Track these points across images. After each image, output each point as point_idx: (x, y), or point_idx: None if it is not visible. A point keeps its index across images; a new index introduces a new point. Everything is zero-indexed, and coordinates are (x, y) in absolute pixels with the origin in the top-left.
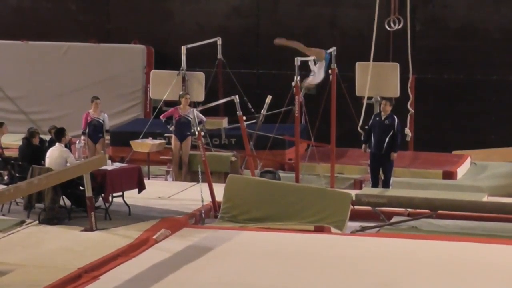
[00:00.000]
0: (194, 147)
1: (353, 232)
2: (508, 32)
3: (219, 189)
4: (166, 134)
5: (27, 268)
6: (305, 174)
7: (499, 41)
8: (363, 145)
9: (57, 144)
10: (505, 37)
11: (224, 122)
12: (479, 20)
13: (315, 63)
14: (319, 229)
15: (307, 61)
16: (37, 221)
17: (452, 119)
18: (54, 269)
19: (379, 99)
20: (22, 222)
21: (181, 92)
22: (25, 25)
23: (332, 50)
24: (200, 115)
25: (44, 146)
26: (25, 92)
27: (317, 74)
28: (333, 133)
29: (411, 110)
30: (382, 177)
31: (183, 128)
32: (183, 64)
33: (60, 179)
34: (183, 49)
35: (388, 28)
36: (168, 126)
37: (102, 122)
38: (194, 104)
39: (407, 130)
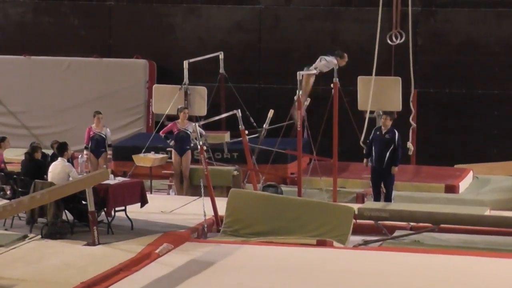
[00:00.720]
0: (196, 161)
1: (356, 246)
2: (509, 46)
3: (222, 203)
4: (168, 148)
5: (29, 283)
6: (307, 188)
7: (501, 55)
8: (365, 160)
9: (59, 158)
10: (507, 51)
11: (226, 137)
12: (481, 35)
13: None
14: (321, 243)
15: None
16: (40, 236)
17: (454, 133)
18: (56, 284)
19: (381, 113)
20: (24, 237)
21: (179, 106)
22: (27, 40)
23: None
24: (200, 129)
25: (46, 161)
26: (27, 107)
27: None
28: (335, 147)
29: (413, 124)
30: (384, 191)
31: (183, 142)
32: (185, 79)
33: (62, 194)
34: (185, 63)
35: (390, 42)
36: (168, 141)
37: (104, 136)
38: (196, 119)
39: (409, 144)
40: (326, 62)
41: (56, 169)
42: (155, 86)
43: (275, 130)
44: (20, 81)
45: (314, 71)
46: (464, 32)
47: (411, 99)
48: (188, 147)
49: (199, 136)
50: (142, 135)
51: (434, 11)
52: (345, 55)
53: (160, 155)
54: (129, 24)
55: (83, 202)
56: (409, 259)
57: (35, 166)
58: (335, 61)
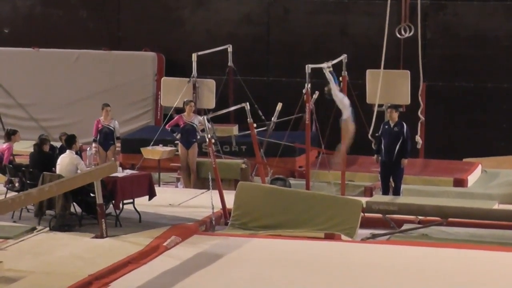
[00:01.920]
0: (204, 154)
1: (364, 240)
2: None
3: (230, 197)
4: (176, 141)
5: (38, 275)
6: (316, 182)
7: (510, 49)
8: (376, 155)
9: (67, 151)
10: None
11: (234, 130)
12: (490, 28)
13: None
14: (329, 237)
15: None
16: (48, 228)
17: (463, 127)
18: (64, 276)
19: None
20: (33, 229)
21: (185, 100)
22: (36, 32)
23: (343, 57)
24: (204, 121)
25: (55, 153)
26: (36, 99)
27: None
28: (344, 141)
29: (422, 118)
30: (393, 185)
31: (189, 135)
32: (194, 72)
33: (70, 186)
34: (194, 56)
35: (399, 36)
36: (174, 135)
37: (113, 129)
38: (204, 112)
39: (418, 138)
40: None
41: (64, 162)
42: (163, 79)
43: (284, 123)
44: (29, 73)
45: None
46: (473, 26)
47: (419, 92)
48: (194, 140)
49: (207, 129)
50: (151, 128)
51: (443, 4)
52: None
53: (168, 148)
54: (138, 16)
55: (91, 195)
56: (417, 252)
57: (44, 159)
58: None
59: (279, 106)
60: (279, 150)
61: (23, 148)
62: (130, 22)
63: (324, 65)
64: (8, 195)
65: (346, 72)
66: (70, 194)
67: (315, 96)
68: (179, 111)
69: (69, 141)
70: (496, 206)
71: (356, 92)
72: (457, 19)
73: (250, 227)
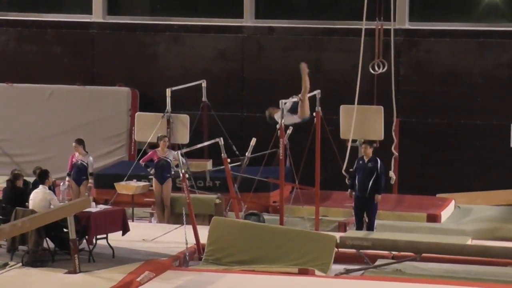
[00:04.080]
0: (178, 189)
1: (338, 275)
2: (491, 78)
3: (204, 232)
4: (150, 176)
5: None
6: (290, 217)
7: (483, 87)
8: (349, 190)
9: (40, 186)
10: (488, 83)
11: (208, 165)
12: (463, 65)
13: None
14: (303, 272)
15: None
16: (21, 264)
17: (436, 163)
18: None
19: (363, 142)
20: (5, 265)
21: (159, 135)
22: (10, 67)
23: (317, 93)
24: (178, 156)
25: (28, 189)
26: (10, 135)
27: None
28: (318, 176)
29: (395, 153)
30: (366, 220)
31: (163, 170)
32: (168, 107)
33: (43, 222)
34: (168, 91)
35: (372, 72)
36: (149, 170)
37: (86, 165)
38: (178, 147)
39: (391, 173)
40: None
41: (37, 197)
42: (137, 114)
43: (258, 159)
44: (2, 108)
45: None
46: (447, 63)
47: (393, 128)
48: (168, 175)
49: (181, 164)
50: (125, 163)
51: (417, 41)
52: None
53: (142, 183)
54: (112, 52)
55: (65, 230)
56: None
57: (17, 194)
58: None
59: (253, 141)
60: (253, 185)
61: None
62: (104, 58)
63: (295, 98)
64: None
65: (320, 108)
66: (43, 230)
67: (289, 131)
68: (153, 146)
69: (42, 177)
70: (470, 241)
71: (330, 127)
72: (430, 56)
73: (224, 263)
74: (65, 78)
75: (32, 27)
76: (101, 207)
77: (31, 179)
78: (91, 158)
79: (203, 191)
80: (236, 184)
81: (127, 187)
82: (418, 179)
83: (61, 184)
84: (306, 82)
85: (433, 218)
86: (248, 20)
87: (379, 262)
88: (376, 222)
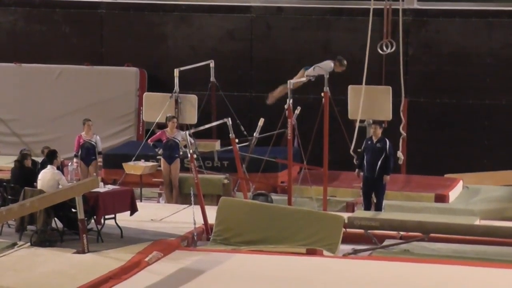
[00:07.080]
0: (186, 169)
1: (346, 255)
2: (500, 57)
3: (212, 212)
4: (158, 157)
5: None
6: (298, 197)
7: (491, 66)
8: (357, 170)
9: (49, 166)
10: (497, 62)
11: (216, 145)
12: (472, 45)
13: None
14: (311, 252)
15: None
16: (29, 243)
17: (445, 143)
18: None
19: (371, 122)
20: (13, 245)
21: (168, 115)
22: (19, 48)
23: (325, 73)
24: (186, 136)
25: (36, 168)
26: (18, 115)
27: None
28: (326, 156)
29: (404, 134)
30: (375, 200)
31: (171, 150)
32: (176, 87)
33: (52, 202)
34: (176, 71)
35: (381, 52)
36: (157, 150)
37: (94, 144)
38: (186, 127)
39: (400, 154)
40: (319, 69)
41: (45, 177)
42: (145, 94)
43: (266, 139)
44: (11, 89)
45: (304, 79)
46: (455, 42)
47: (401, 108)
48: (177, 155)
49: (190, 145)
50: (133, 143)
51: (426, 21)
52: (345, 63)
53: (150, 163)
54: (121, 32)
55: (73, 210)
56: (398, 268)
57: (25, 174)
58: (331, 64)
59: (261, 121)
60: (261, 166)
61: (5, 163)
62: (113, 38)
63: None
64: None
65: (328, 88)
66: (51, 210)
67: (297, 111)
68: (161, 126)
69: (51, 157)
70: (478, 222)
71: (338, 108)
72: (439, 36)
73: (232, 243)
74: (74, 58)
75: (40, 6)
76: (109, 187)
77: (39, 159)
78: (98, 138)
79: (211, 171)
80: (244, 164)
81: (135, 167)
82: (426, 159)
83: (69, 164)
84: (281, 91)
85: (441, 198)
86: (257, 0)
87: (387, 242)
88: (384, 202)
